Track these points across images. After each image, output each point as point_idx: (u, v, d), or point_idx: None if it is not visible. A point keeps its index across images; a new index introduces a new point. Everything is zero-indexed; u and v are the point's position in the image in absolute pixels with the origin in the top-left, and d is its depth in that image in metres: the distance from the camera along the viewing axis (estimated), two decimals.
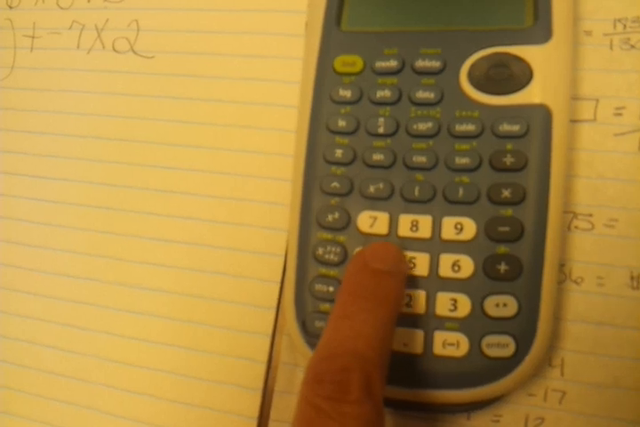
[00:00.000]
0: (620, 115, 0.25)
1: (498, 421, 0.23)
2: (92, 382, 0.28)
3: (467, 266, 0.22)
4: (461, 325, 0.21)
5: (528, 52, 0.23)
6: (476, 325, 0.21)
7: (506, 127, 0.22)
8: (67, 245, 0.29)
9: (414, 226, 0.22)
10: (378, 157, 0.23)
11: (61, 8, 0.31)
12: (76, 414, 0.27)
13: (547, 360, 0.23)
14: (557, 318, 0.23)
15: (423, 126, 0.23)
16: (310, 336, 0.23)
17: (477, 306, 0.21)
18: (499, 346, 0.21)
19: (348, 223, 0.23)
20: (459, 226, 0.22)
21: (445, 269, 0.22)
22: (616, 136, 0.24)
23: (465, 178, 0.22)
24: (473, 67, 0.23)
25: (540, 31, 0.23)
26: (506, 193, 0.22)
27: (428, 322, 0.22)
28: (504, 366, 0.21)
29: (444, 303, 0.22)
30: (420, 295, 0.22)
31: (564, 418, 0.23)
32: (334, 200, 0.23)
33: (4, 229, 0.30)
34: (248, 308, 0.26)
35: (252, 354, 0.25)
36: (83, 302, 0.28)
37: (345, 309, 0.20)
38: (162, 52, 0.29)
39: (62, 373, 0.28)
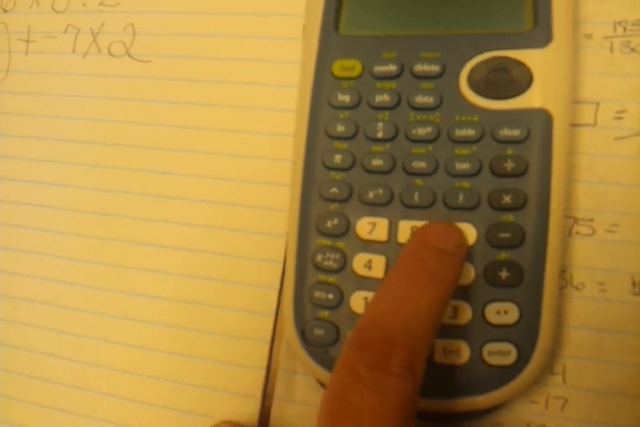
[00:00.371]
0: (620, 118, 0.24)
1: None
2: (90, 390, 0.27)
3: (467, 272, 0.21)
4: (462, 332, 0.21)
5: (528, 56, 0.23)
6: (477, 332, 0.21)
7: (506, 132, 0.22)
8: (64, 252, 0.29)
9: (414, 232, 0.22)
10: (377, 162, 0.23)
11: (56, 11, 0.30)
12: (75, 423, 0.27)
13: (548, 367, 0.23)
14: (559, 325, 0.23)
15: (422, 131, 0.23)
16: (309, 344, 0.22)
17: (478, 313, 0.21)
18: (500, 354, 0.21)
19: (347, 229, 0.23)
20: None
21: None
22: (617, 140, 0.24)
23: (465, 183, 0.22)
24: (472, 71, 0.23)
25: (540, 35, 0.23)
26: (507, 199, 0.22)
27: None
28: (505, 374, 0.21)
29: None
30: None
31: (566, 426, 0.23)
32: (333, 206, 0.23)
33: (1, 236, 0.29)
34: (246, 314, 0.26)
35: (250, 361, 0.25)
36: (80, 310, 0.28)
37: (402, 279, 0.19)
38: (158, 55, 0.29)
39: (60, 381, 0.28)
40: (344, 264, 0.23)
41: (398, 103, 0.23)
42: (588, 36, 0.26)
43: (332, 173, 0.23)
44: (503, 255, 0.22)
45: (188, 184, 0.27)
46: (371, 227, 0.22)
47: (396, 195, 0.23)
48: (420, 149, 0.23)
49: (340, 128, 0.24)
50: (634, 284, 0.23)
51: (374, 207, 0.23)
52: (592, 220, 0.24)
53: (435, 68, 0.23)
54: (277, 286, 0.25)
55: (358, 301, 0.22)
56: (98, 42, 0.29)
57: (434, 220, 0.22)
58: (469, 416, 0.23)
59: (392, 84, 0.24)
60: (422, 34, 0.24)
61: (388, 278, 0.20)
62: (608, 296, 0.23)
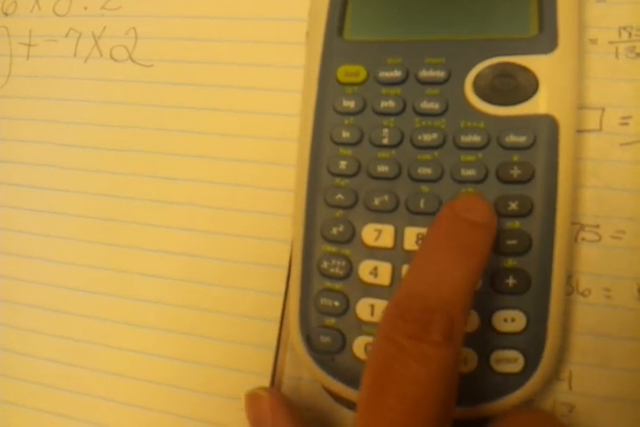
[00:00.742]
0: (626, 124, 0.24)
1: None
2: (90, 395, 0.27)
3: None
4: (469, 340, 0.21)
5: (534, 62, 0.23)
6: (485, 340, 0.21)
7: (512, 138, 0.22)
8: (65, 257, 0.28)
9: (420, 239, 0.22)
10: (382, 168, 0.23)
11: (58, 15, 0.30)
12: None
13: (555, 374, 0.23)
14: (565, 331, 0.23)
15: (428, 137, 0.23)
16: (315, 351, 0.22)
17: (485, 321, 0.21)
18: (507, 361, 0.21)
19: (352, 236, 0.23)
20: None
21: None
22: (622, 146, 0.24)
23: (471, 190, 0.22)
24: (478, 77, 0.23)
25: (546, 40, 0.23)
26: (513, 205, 0.22)
27: None
28: (512, 382, 0.21)
29: None
30: None
31: None
32: (339, 213, 0.23)
33: (2, 241, 0.29)
34: (251, 320, 0.26)
35: (255, 367, 0.25)
36: (80, 315, 0.28)
37: (434, 251, 0.19)
38: (161, 60, 0.28)
39: (61, 386, 0.28)
40: (350, 271, 0.22)
41: (403, 109, 0.23)
42: (593, 41, 0.25)
43: (337, 180, 0.23)
44: (510, 262, 0.21)
45: (191, 189, 0.27)
46: (376, 234, 0.22)
47: (402, 201, 0.23)
48: (426, 156, 0.23)
49: (345, 134, 0.24)
50: None
51: (380, 214, 0.23)
52: (598, 226, 0.24)
53: (440, 74, 0.23)
54: (282, 291, 0.25)
55: (364, 308, 0.22)
56: (100, 46, 0.29)
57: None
58: (476, 424, 0.23)
59: (397, 90, 0.24)
60: (427, 39, 0.24)
61: (421, 250, 0.20)
62: (614, 302, 0.23)
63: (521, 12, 0.24)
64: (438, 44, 0.24)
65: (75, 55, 0.30)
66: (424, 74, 0.23)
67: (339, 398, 0.23)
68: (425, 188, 0.23)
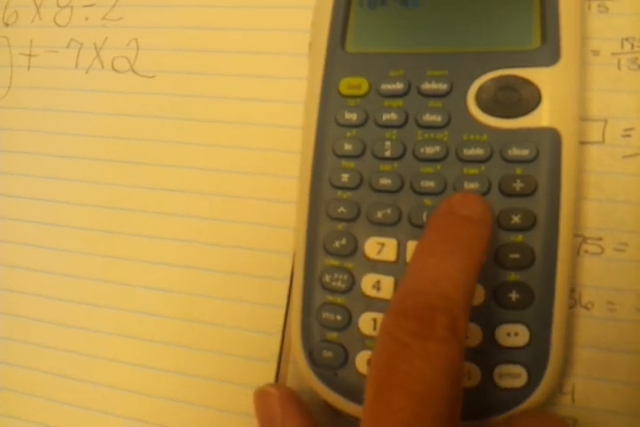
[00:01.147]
0: (628, 136, 0.24)
1: None
2: (91, 409, 0.27)
3: (477, 294, 0.21)
4: (473, 354, 0.21)
5: (536, 75, 0.23)
6: (488, 354, 0.21)
7: (515, 152, 0.22)
8: (66, 269, 0.28)
9: None
10: (385, 181, 0.23)
11: (59, 25, 0.30)
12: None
13: (558, 387, 0.23)
14: (568, 344, 0.23)
15: (430, 150, 0.23)
16: (317, 366, 0.22)
17: (488, 335, 0.21)
18: (510, 376, 0.21)
19: (355, 250, 0.23)
20: None
21: None
22: (625, 158, 0.24)
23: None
24: (480, 89, 0.23)
25: (548, 52, 0.23)
26: (516, 219, 0.22)
27: None
28: (515, 397, 0.21)
29: None
30: None
31: None
32: (341, 225, 0.23)
33: (2, 253, 0.29)
34: (251, 333, 0.26)
35: (256, 381, 0.25)
36: (80, 327, 0.28)
37: (432, 248, 0.19)
38: (162, 71, 0.28)
39: (62, 400, 0.28)
40: (352, 285, 0.22)
41: (406, 122, 0.23)
42: (596, 53, 0.25)
43: (340, 193, 0.23)
44: (513, 276, 0.21)
45: (192, 201, 0.27)
46: (379, 247, 0.22)
47: (405, 214, 0.23)
48: (429, 169, 0.23)
49: (347, 147, 0.23)
50: None
51: (382, 227, 0.23)
52: (601, 238, 0.24)
53: (442, 87, 0.23)
54: (283, 304, 0.25)
55: (367, 322, 0.22)
56: (101, 57, 0.29)
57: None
58: None
59: (399, 103, 0.24)
60: (429, 52, 0.24)
61: (419, 247, 0.20)
62: (617, 316, 0.23)
63: (523, 25, 0.24)
64: (440, 56, 0.24)
65: (76, 66, 0.30)
66: (426, 86, 0.23)
67: (340, 413, 0.23)
68: (428, 201, 0.22)
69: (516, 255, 0.21)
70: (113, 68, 0.29)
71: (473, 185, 0.22)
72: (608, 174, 0.24)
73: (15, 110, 0.30)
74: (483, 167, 0.22)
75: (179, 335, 0.26)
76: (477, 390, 0.21)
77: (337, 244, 0.23)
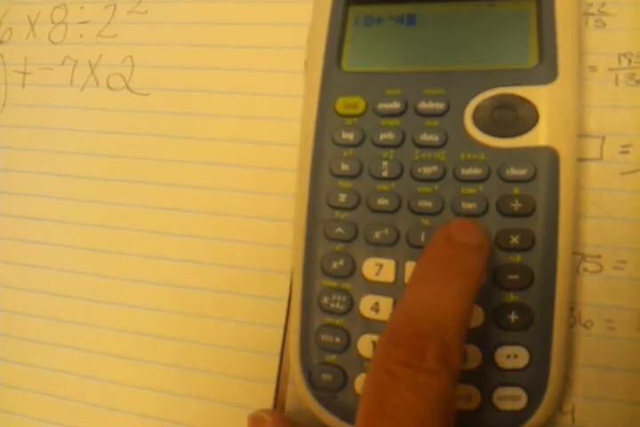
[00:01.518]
0: (626, 153, 0.24)
1: None
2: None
3: (476, 316, 0.21)
4: (472, 376, 0.21)
5: (534, 93, 0.23)
6: (487, 377, 0.21)
7: (513, 171, 0.22)
8: (60, 289, 0.28)
9: None
10: (382, 201, 0.23)
11: (53, 43, 0.30)
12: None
13: (558, 408, 0.23)
14: (568, 364, 0.23)
15: (428, 170, 0.23)
16: (316, 389, 0.22)
17: (488, 357, 0.21)
18: (510, 398, 0.21)
19: (353, 271, 0.22)
20: None
21: None
22: (623, 175, 0.24)
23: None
24: (478, 108, 0.23)
25: (546, 70, 0.23)
26: (514, 239, 0.21)
27: None
28: (515, 419, 0.21)
29: None
30: None
31: None
32: (339, 246, 0.23)
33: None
34: (250, 354, 0.25)
35: (256, 403, 0.25)
36: (73, 348, 0.28)
37: (428, 276, 0.19)
38: (158, 88, 0.28)
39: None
40: (351, 306, 0.22)
41: (403, 141, 0.23)
42: (593, 69, 0.25)
43: (337, 213, 0.23)
44: (512, 297, 0.21)
45: (189, 220, 0.27)
46: (377, 268, 0.22)
47: (403, 235, 0.22)
48: (426, 188, 0.23)
49: (345, 166, 0.23)
50: None
51: (380, 248, 0.22)
52: (599, 256, 0.24)
53: (439, 106, 0.23)
54: (282, 325, 0.25)
55: (366, 344, 0.22)
56: (96, 74, 0.29)
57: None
58: None
59: (396, 122, 0.23)
60: (426, 70, 0.24)
61: (414, 275, 0.20)
62: (616, 334, 0.23)
63: (520, 43, 0.24)
64: (437, 75, 0.24)
65: (71, 84, 0.29)
66: (423, 106, 0.23)
67: None
68: (426, 221, 0.22)
69: (515, 276, 0.21)
70: (108, 86, 0.29)
71: (471, 205, 0.22)
72: (606, 191, 0.24)
73: (10, 128, 0.30)
74: (480, 187, 0.22)
75: (177, 357, 0.26)
76: (477, 413, 0.21)
77: (335, 265, 0.23)
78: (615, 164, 0.24)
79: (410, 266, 0.22)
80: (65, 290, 0.28)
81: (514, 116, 0.23)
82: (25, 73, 0.30)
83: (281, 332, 0.25)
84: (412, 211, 0.23)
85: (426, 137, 0.23)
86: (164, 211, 0.27)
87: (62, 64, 0.30)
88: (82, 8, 0.30)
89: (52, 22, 0.30)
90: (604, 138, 0.25)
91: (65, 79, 0.29)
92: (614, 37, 0.26)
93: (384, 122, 0.24)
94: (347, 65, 0.25)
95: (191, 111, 0.28)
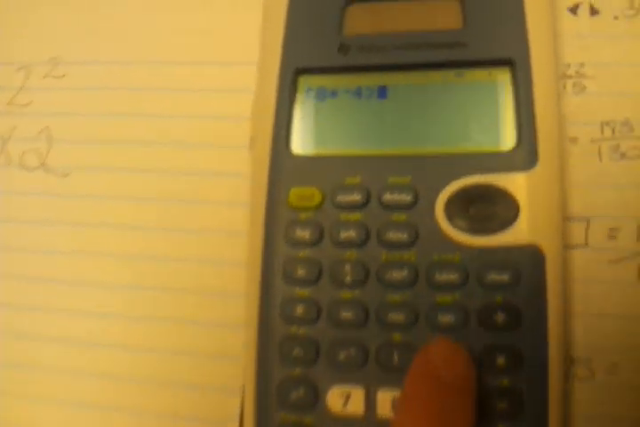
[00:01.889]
0: (614, 237, 0.22)
1: None
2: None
3: None
4: None
5: (512, 182, 0.20)
6: None
7: (493, 276, 0.19)
8: None
9: (395, 404, 0.19)
10: (346, 313, 0.20)
11: None
12: None
13: None
14: None
15: (398, 274, 0.20)
16: None
17: None
18: None
19: (315, 402, 0.19)
20: None
21: None
22: (611, 263, 0.22)
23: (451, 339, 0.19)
24: (450, 201, 0.20)
25: (524, 154, 0.20)
26: (500, 360, 0.19)
27: None
28: None
29: None
30: None
31: None
32: (297, 370, 0.20)
33: None
34: None
35: None
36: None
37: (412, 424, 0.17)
38: (79, 167, 0.24)
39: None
40: None
41: (367, 239, 0.20)
42: (574, 141, 0.23)
43: (294, 328, 0.20)
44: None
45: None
46: (344, 398, 0.19)
47: (372, 354, 0.19)
48: (396, 297, 0.20)
49: (301, 271, 0.20)
50: None
51: (346, 371, 0.19)
52: (590, 359, 0.21)
53: (406, 198, 0.20)
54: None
55: None
56: (8, 150, 0.25)
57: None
58: None
59: (358, 216, 0.20)
60: (389, 154, 0.21)
61: (396, 421, 0.17)
62: None
63: (493, 120, 0.21)
64: (402, 159, 0.21)
65: None
66: (388, 197, 0.20)
67: None
68: (397, 335, 0.19)
69: (503, 404, 0.18)
70: (21, 165, 0.25)
71: (448, 317, 0.19)
72: (594, 283, 0.22)
73: None
74: (457, 294, 0.19)
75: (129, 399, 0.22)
76: None
77: (293, 395, 0.19)
78: (602, 251, 0.22)
79: (382, 395, 0.19)
80: None
81: (491, 210, 0.20)
82: None
83: None
84: (381, 324, 0.19)
85: (393, 235, 0.20)
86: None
87: None
88: None
89: None
90: (588, 221, 0.22)
91: None
92: (595, 103, 0.23)
93: (344, 216, 0.20)
94: (298, 147, 0.21)
95: (118, 195, 0.24)
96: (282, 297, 0.20)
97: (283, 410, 0.19)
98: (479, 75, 0.21)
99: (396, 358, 0.19)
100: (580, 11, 0.24)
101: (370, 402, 0.19)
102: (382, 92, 0.22)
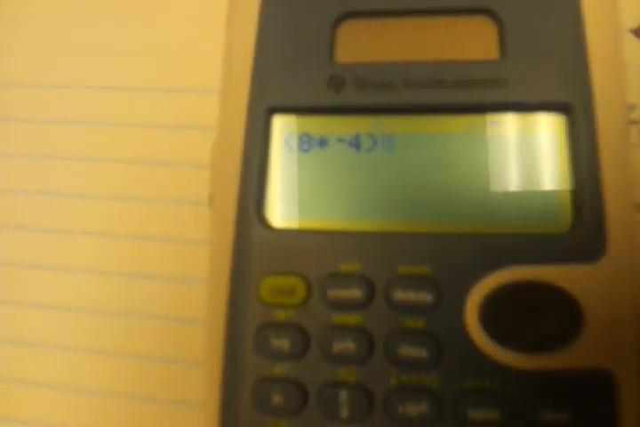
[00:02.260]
0: None
1: None
2: None
3: None
4: None
5: (572, 280, 0.15)
6: None
7: (549, 415, 0.14)
8: None
9: None
10: None
11: None
12: None
13: None
14: None
15: (413, 409, 0.15)
16: None
17: None
18: None
19: None
20: None
21: None
22: None
23: None
24: (485, 303, 0.14)
25: (588, 237, 0.15)
26: None
27: None
28: None
29: None
30: None
31: None
32: None
33: None
34: None
35: None
36: None
37: None
38: None
39: None
40: None
41: (371, 352, 0.15)
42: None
43: None
44: None
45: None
46: None
47: None
48: None
49: (277, 398, 0.14)
50: None
51: None
52: None
53: (425, 297, 0.14)
54: None
55: None
56: None
57: None
58: None
59: (358, 318, 0.15)
60: (399, 231, 0.15)
61: None
62: None
63: (544, 189, 0.15)
64: (417, 239, 0.15)
65: None
66: (400, 295, 0.15)
67: None
68: None
69: None
70: None
71: None
72: None
73: None
74: None
75: None
76: None
77: None
78: None
79: None
80: None
81: (543, 319, 0.14)
82: None
83: None
84: None
85: (407, 349, 0.14)
86: None
87: None
88: None
89: None
90: None
91: None
92: None
93: (338, 318, 0.15)
94: (274, 217, 0.16)
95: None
96: None
97: None
98: (522, 123, 0.16)
99: None
100: None
101: None
102: (388, 142, 0.16)
